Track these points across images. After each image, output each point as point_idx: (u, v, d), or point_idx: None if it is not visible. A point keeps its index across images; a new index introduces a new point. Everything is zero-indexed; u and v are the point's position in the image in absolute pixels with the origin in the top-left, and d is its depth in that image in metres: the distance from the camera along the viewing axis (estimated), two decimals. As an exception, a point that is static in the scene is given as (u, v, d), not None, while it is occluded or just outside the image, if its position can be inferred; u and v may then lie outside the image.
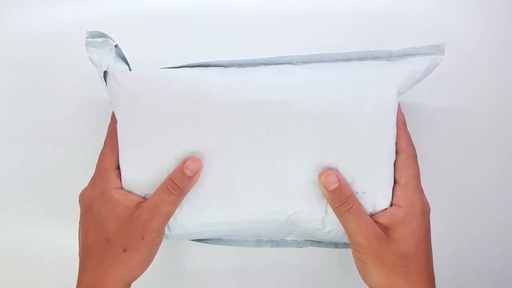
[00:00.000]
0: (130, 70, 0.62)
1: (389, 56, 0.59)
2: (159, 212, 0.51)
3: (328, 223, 0.57)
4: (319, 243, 0.63)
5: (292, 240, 0.63)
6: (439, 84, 0.71)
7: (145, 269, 0.54)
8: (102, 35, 0.58)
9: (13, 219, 0.72)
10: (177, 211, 0.55)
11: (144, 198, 0.54)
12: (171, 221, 0.56)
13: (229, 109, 0.54)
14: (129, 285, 0.54)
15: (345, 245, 0.62)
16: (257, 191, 0.56)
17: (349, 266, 0.74)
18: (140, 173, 0.55)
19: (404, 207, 0.51)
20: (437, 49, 0.58)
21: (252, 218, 0.56)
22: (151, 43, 0.71)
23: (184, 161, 0.53)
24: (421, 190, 0.52)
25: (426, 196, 0.56)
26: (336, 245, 0.63)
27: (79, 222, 0.54)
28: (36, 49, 0.71)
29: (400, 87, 0.56)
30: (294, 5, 0.72)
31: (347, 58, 0.59)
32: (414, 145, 0.57)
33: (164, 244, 0.73)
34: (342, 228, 0.56)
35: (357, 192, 0.55)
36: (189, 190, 0.54)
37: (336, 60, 0.59)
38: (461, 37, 0.72)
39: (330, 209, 0.56)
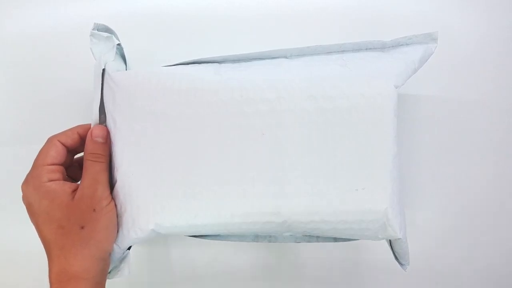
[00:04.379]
0: (126, 69, 0.62)
1: (383, 47, 0.59)
2: (97, 181, 0.54)
3: (329, 224, 0.56)
4: (317, 238, 0.62)
5: (290, 235, 0.62)
6: (434, 79, 0.71)
7: (112, 238, 0.56)
8: (108, 29, 0.59)
9: (13, 218, 0.73)
10: (169, 213, 0.56)
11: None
12: (162, 222, 0.56)
13: (223, 108, 0.55)
14: (103, 259, 0.55)
15: (343, 239, 0.62)
16: (253, 192, 0.56)
17: (350, 260, 0.75)
18: (136, 173, 0.56)
19: None
20: (430, 38, 0.57)
21: (247, 220, 0.56)
22: (151, 42, 0.72)
23: (91, 133, 0.56)
24: None
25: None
26: (336, 239, 0.62)
27: (31, 222, 0.55)
28: (36, 49, 0.73)
29: (396, 80, 0.55)
30: (294, 5, 0.73)
31: (341, 50, 0.59)
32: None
33: (164, 243, 0.74)
34: (343, 226, 0.56)
35: (357, 190, 0.55)
36: (109, 154, 0.57)
37: (330, 52, 0.59)
38: (459, 35, 0.72)
39: (330, 210, 0.55)
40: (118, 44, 0.60)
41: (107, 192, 0.55)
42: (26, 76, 0.73)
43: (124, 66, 0.62)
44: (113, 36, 0.60)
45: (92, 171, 0.54)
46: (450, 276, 0.75)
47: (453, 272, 0.75)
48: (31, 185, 0.54)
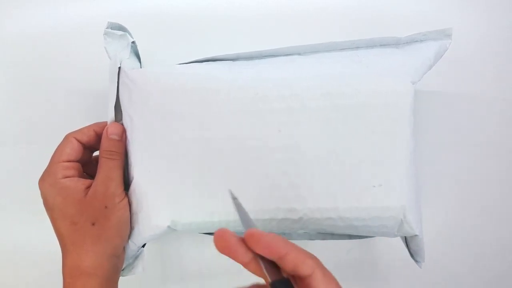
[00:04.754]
0: (140, 67, 0.62)
1: (397, 43, 0.59)
2: (111, 178, 0.54)
3: (346, 221, 0.56)
4: (332, 235, 0.62)
5: (304, 232, 0.62)
6: (434, 79, 0.71)
7: (125, 236, 0.56)
8: (121, 28, 0.58)
9: (13, 218, 0.72)
10: (185, 211, 0.56)
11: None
12: (178, 219, 0.56)
13: (238, 106, 0.54)
14: (115, 256, 0.55)
15: (359, 236, 0.61)
16: (269, 189, 0.55)
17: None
18: (152, 171, 0.56)
19: None
20: (444, 34, 0.58)
21: (264, 216, 0.56)
22: (151, 42, 0.71)
23: (106, 130, 0.55)
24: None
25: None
26: (350, 236, 0.62)
27: (47, 216, 0.55)
28: (36, 49, 0.72)
29: (413, 76, 0.56)
30: (294, 5, 0.73)
31: (355, 46, 0.59)
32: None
33: (164, 243, 0.73)
34: (359, 223, 0.56)
35: (374, 186, 0.55)
36: (124, 151, 0.57)
37: (344, 49, 0.59)
38: (459, 35, 0.73)
39: (346, 207, 0.55)
40: (133, 42, 0.59)
41: (120, 189, 0.55)
42: (26, 76, 0.72)
43: (139, 64, 0.61)
44: (127, 34, 0.59)
45: (106, 168, 0.54)
46: (450, 276, 0.75)
47: (454, 272, 0.75)
48: (47, 182, 0.54)
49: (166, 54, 0.72)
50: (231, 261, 0.72)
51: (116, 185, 0.54)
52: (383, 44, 0.59)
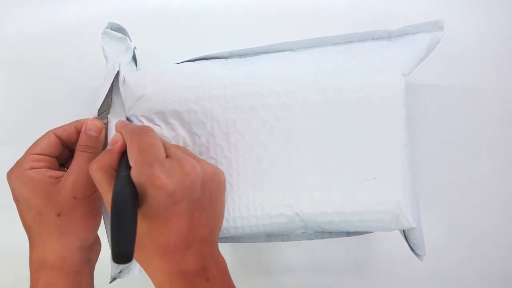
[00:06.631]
0: (136, 69, 0.62)
1: (389, 36, 0.59)
2: (83, 169, 0.52)
3: (342, 215, 0.56)
4: (330, 233, 0.62)
5: (303, 232, 0.61)
6: (434, 79, 0.72)
7: (93, 227, 0.54)
8: (121, 30, 0.58)
9: (13, 218, 0.72)
10: None
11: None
12: None
13: (232, 103, 0.54)
14: (83, 248, 0.53)
15: (357, 233, 0.61)
16: (263, 186, 0.55)
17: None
18: None
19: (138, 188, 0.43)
20: (437, 26, 0.57)
21: (258, 212, 0.55)
22: (151, 42, 0.71)
23: (85, 126, 0.55)
24: (150, 164, 0.43)
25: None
26: (348, 233, 0.62)
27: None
28: (36, 49, 0.72)
29: (404, 68, 0.56)
30: (294, 5, 0.73)
31: (347, 41, 0.59)
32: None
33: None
34: (355, 217, 0.55)
35: (368, 179, 0.55)
36: (101, 147, 0.56)
37: (336, 44, 0.59)
38: (459, 35, 0.73)
39: (341, 201, 0.55)
40: (134, 48, 0.60)
41: (91, 182, 0.53)
42: (26, 76, 0.73)
43: (135, 66, 0.62)
44: (127, 38, 0.59)
45: (79, 159, 0.53)
46: (450, 275, 0.75)
47: (453, 271, 0.75)
48: (14, 173, 0.53)
49: (166, 53, 0.73)
50: (231, 261, 0.73)
51: (88, 176, 0.51)
52: (375, 37, 0.59)
